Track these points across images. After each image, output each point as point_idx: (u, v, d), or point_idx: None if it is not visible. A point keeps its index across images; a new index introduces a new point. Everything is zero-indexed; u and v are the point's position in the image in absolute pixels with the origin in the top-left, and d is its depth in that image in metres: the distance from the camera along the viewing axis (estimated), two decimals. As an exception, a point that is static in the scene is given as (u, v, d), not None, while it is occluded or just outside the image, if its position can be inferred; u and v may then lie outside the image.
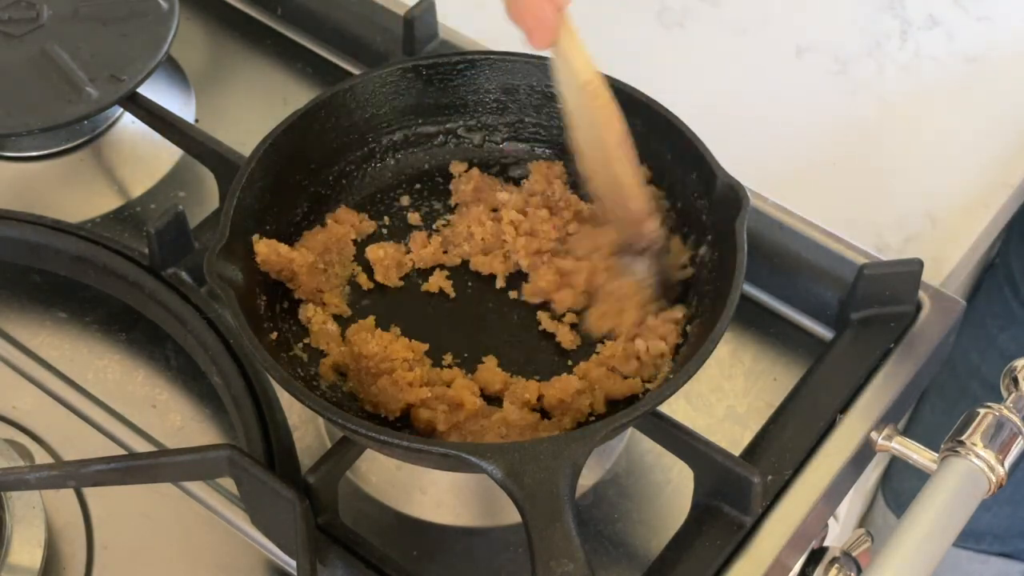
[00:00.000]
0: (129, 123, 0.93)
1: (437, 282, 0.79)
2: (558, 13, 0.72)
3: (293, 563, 0.73)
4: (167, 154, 0.93)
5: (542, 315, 0.77)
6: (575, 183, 0.81)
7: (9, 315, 0.85)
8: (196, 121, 0.96)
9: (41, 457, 0.78)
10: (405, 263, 0.80)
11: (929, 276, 0.84)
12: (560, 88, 0.76)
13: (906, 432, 0.80)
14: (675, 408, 0.81)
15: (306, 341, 0.76)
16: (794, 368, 0.84)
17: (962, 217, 0.93)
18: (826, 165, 0.96)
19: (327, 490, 0.72)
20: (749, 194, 0.74)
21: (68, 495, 0.77)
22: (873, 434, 0.78)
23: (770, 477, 0.75)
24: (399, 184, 0.83)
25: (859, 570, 0.83)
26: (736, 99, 0.99)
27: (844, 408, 0.79)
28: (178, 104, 0.95)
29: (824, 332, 0.86)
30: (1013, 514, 1.23)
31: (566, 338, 0.76)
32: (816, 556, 0.82)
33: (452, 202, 0.82)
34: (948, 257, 0.90)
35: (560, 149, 0.83)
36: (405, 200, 0.82)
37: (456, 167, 0.84)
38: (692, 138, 0.77)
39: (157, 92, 0.92)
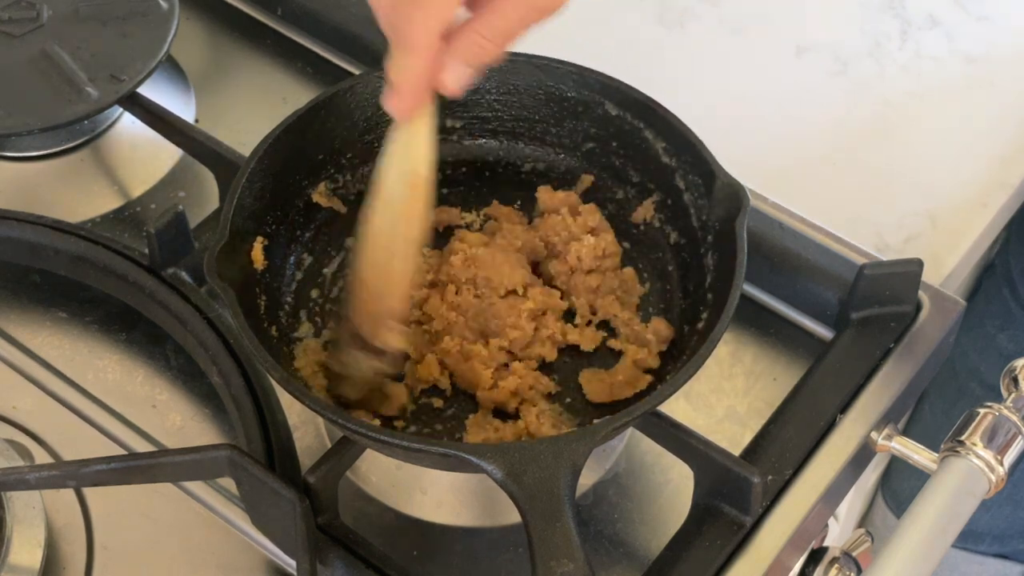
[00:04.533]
0: (129, 123, 0.93)
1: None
2: (428, 92, 0.67)
3: (293, 563, 0.73)
4: (167, 154, 0.93)
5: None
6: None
7: (9, 315, 0.85)
8: (196, 121, 0.96)
9: (41, 457, 0.78)
10: None
11: (929, 276, 0.84)
12: (385, 160, 0.71)
13: (906, 432, 0.80)
14: (675, 408, 0.81)
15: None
16: (794, 368, 0.84)
17: (962, 217, 0.93)
18: (826, 165, 0.96)
19: (327, 490, 0.72)
20: (749, 194, 0.74)
21: (68, 495, 0.77)
22: (873, 434, 0.78)
23: (770, 477, 0.75)
24: None
25: (859, 570, 0.83)
26: (736, 99, 0.99)
27: (844, 408, 0.79)
28: (178, 104, 0.95)
29: (824, 332, 0.86)
30: (1012, 515, 1.23)
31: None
32: (816, 556, 0.82)
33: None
34: (948, 257, 0.90)
35: (560, 148, 0.84)
36: None
37: (455, 167, 0.84)
38: (692, 138, 0.77)
39: (157, 92, 0.92)
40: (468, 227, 0.82)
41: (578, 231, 0.80)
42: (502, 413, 0.75)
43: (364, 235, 0.72)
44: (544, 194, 0.82)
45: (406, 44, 0.64)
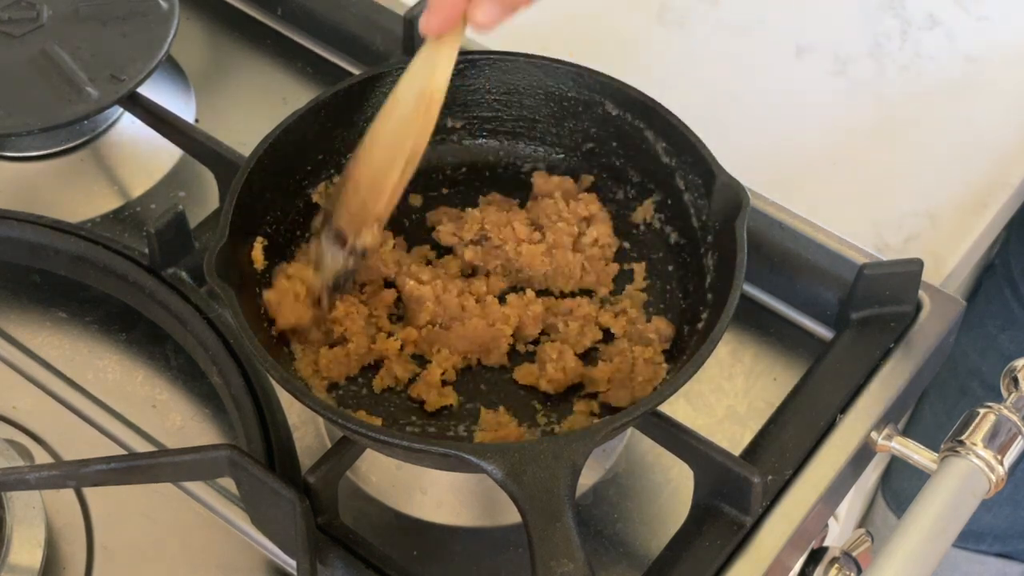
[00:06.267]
0: (129, 123, 0.93)
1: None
2: (460, 16, 0.71)
3: (293, 563, 0.73)
4: (167, 154, 0.93)
5: None
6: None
7: (9, 315, 0.85)
8: (196, 121, 0.96)
9: (41, 457, 0.78)
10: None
11: (929, 276, 0.84)
12: (405, 74, 0.75)
13: (906, 432, 0.80)
14: (675, 408, 0.81)
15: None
16: (794, 368, 0.84)
17: (962, 217, 0.93)
18: (826, 165, 0.96)
19: (327, 490, 0.72)
20: (749, 194, 0.74)
21: (68, 495, 0.77)
22: (873, 434, 0.78)
23: (770, 477, 0.75)
24: None
25: (859, 570, 0.83)
26: (736, 99, 0.99)
27: (844, 408, 0.79)
28: (178, 104, 0.95)
29: (824, 332, 0.86)
30: (1013, 514, 1.23)
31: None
32: (816, 556, 0.82)
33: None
34: (948, 257, 0.90)
35: (560, 148, 0.84)
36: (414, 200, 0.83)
37: (455, 167, 0.84)
38: (692, 138, 0.77)
39: (157, 92, 0.92)
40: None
41: (571, 216, 0.80)
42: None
43: (368, 138, 0.76)
44: (540, 178, 0.82)
45: None
